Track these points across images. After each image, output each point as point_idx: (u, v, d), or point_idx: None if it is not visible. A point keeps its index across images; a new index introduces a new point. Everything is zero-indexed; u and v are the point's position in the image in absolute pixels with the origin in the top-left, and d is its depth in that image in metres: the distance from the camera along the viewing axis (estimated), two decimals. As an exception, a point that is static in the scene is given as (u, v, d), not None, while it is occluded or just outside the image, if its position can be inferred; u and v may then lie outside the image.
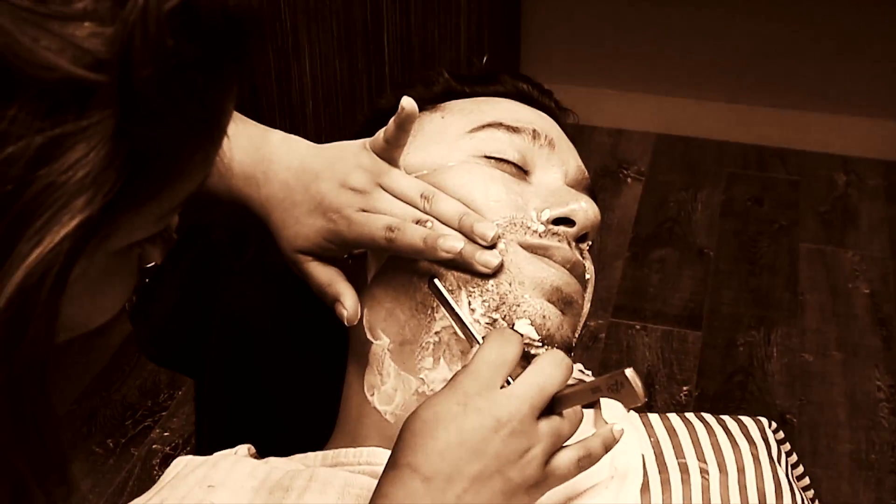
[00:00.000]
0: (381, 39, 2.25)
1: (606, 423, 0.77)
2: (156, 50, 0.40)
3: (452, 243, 0.72)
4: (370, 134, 0.77)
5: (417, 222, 0.74)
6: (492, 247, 0.74)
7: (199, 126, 0.44)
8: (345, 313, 0.76)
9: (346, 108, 2.26)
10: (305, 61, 2.22)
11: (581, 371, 0.86)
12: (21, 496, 0.43)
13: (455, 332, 0.74)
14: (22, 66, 0.37)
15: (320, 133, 2.25)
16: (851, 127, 2.87)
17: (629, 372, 0.63)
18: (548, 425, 0.65)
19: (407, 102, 0.72)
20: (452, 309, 0.73)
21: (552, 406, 0.66)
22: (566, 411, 0.66)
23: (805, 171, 2.84)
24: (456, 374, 0.67)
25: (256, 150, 0.77)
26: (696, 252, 2.54)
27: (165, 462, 1.92)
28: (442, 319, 0.74)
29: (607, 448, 0.68)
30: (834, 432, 2.05)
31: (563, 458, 0.66)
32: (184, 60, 0.41)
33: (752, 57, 2.86)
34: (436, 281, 0.74)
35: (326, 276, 0.77)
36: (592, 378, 0.82)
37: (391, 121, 0.73)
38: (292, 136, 0.79)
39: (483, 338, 0.70)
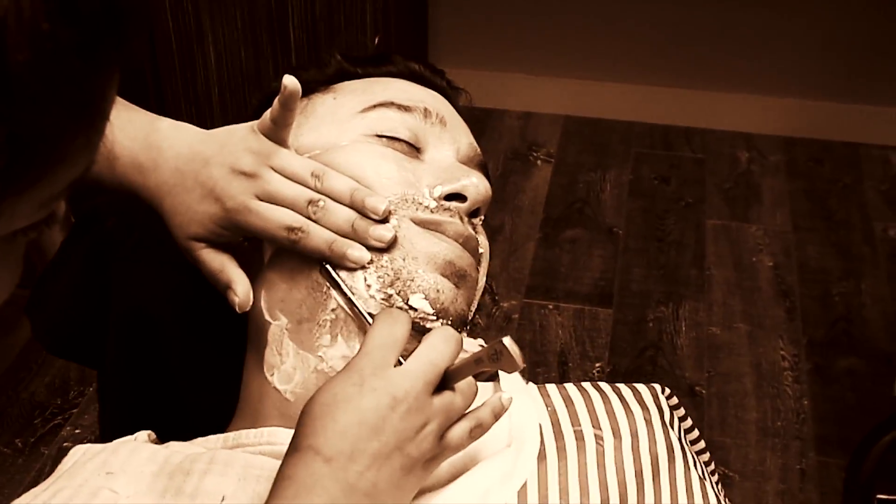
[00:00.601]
0: (287, 26, 2.24)
1: None
2: (31, 33, 0.39)
3: (360, 254, 0.74)
4: None
5: (310, 202, 0.74)
6: (384, 221, 0.75)
7: (80, 111, 0.43)
8: (236, 300, 0.76)
9: (253, 95, 2.24)
10: (210, 49, 2.20)
11: (482, 346, 0.87)
12: None
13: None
14: None
15: (227, 121, 2.22)
16: (752, 105, 2.95)
17: (506, 340, 0.65)
18: (441, 400, 0.67)
19: (289, 80, 0.73)
20: (343, 292, 0.74)
21: (445, 381, 0.67)
22: (458, 385, 0.68)
23: (709, 149, 2.90)
24: (351, 359, 0.68)
25: (145, 138, 0.77)
26: (605, 231, 2.58)
27: (77, 459, 1.89)
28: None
29: (497, 416, 0.69)
30: (741, 402, 2.11)
31: (457, 431, 0.67)
32: (61, 45, 0.40)
33: (657, 39, 2.91)
34: (327, 266, 0.75)
35: (218, 262, 0.77)
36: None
37: (276, 100, 0.74)
38: (181, 123, 0.79)
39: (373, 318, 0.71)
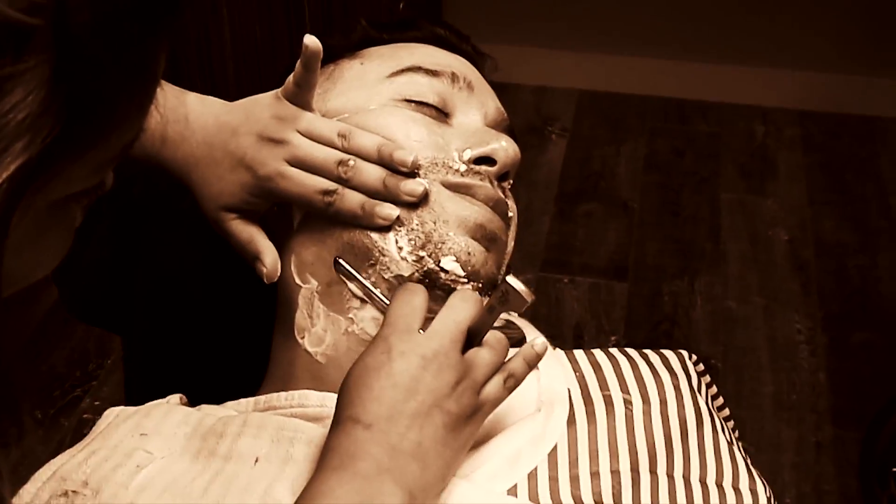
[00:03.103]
0: (301, -1, 2.23)
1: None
2: None
3: (389, 211, 0.74)
4: None
5: (340, 163, 0.74)
6: (413, 176, 0.75)
7: (135, 74, 0.45)
8: (264, 270, 0.77)
9: (267, 68, 2.24)
10: (224, 23, 2.19)
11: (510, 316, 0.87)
12: None
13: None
14: None
15: (242, 94, 2.22)
16: (768, 78, 2.93)
17: (510, 278, 0.67)
18: (470, 355, 0.67)
19: (310, 40, 0.73)
20: (360, 282, 0.75)
21: (473, 340, 0.68)
22: (486, 339, 0.68)
23: (725, 123, 2.89)
24: (377, 333, 0.69)
25: (172, 112, 0.77)
26: (620, 205, 2.58)
27: (97, 431, 1.90)
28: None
29: (531, 365, 0.70)
30: (757, 375, 2.11)
31: (493, 384, 0.68)
32: (119, 8, 0.42)
33: (672, 12, 2.89)
34: (340, 261, 0.76)
35: (247, 234, 0.77)
36: (523, 323, 0.84)
37: (298, 63, 0.74)
38: (206, 96, 0.80)
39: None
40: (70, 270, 0.91)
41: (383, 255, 0.75)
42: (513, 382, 0.69)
